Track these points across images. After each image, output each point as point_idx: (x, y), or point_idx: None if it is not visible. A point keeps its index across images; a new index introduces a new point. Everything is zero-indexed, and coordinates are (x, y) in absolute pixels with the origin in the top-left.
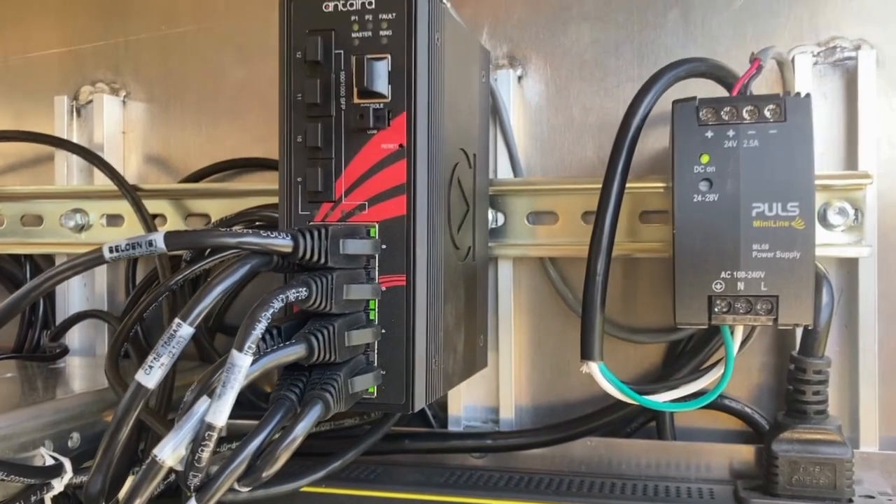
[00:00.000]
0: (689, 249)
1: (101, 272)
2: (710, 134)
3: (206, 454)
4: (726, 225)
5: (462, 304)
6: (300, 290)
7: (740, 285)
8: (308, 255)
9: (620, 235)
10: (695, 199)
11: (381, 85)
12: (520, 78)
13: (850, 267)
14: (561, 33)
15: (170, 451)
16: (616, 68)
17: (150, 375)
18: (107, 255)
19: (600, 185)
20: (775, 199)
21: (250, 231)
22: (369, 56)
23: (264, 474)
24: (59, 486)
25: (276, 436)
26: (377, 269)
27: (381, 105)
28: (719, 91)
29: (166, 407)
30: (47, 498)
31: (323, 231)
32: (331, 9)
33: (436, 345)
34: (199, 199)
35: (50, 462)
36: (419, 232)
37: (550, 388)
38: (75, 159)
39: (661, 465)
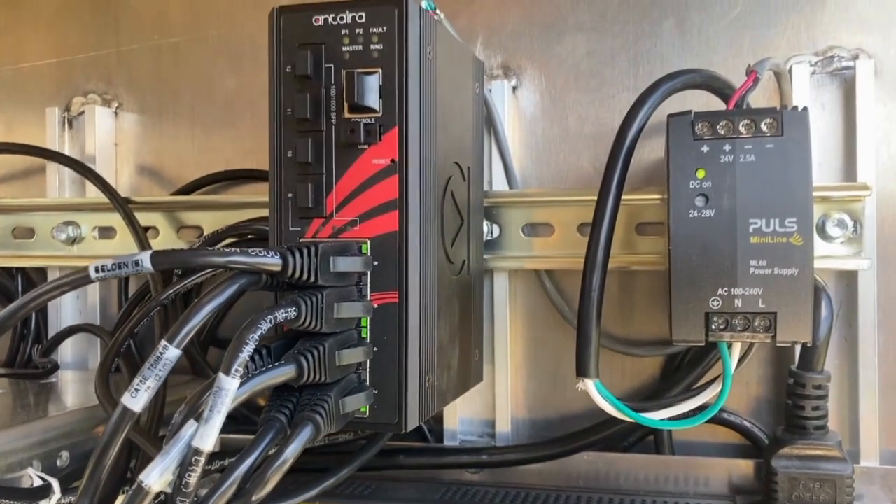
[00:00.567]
0: (686, 266)
1: (93, 285)
2: (705, 148)
3: (193, 479)
4: (723, 241)
5: (456, 319)
6: (289, 310)
7: (737, 302)
8: (297, 274)
9: (617, 248)
10: (691, 215)
11: (372, 99)
12: (514, 88)
13: (849, 279)
14: (556, 43)
15: (156, 477)
16: (612, 78)
17: (137, 399)
18: (93, 275)
19: (596, 197)
20: (773, 215)
21: (238, 250)
22: (360, 70)
23: (254, 498)
24: None
25: (271, 452)
26: (369, 286)
27: (373, 120)
28: (716, 102)
29: (157, 424)
30: None
31: (312, 249)
32: (321, 22)
33: (429, 362)
34: (192, 212)
35: (38, 483)
36: (412, 248)
37: (547, 402)
38: (67, 171)
39: (659, 480)
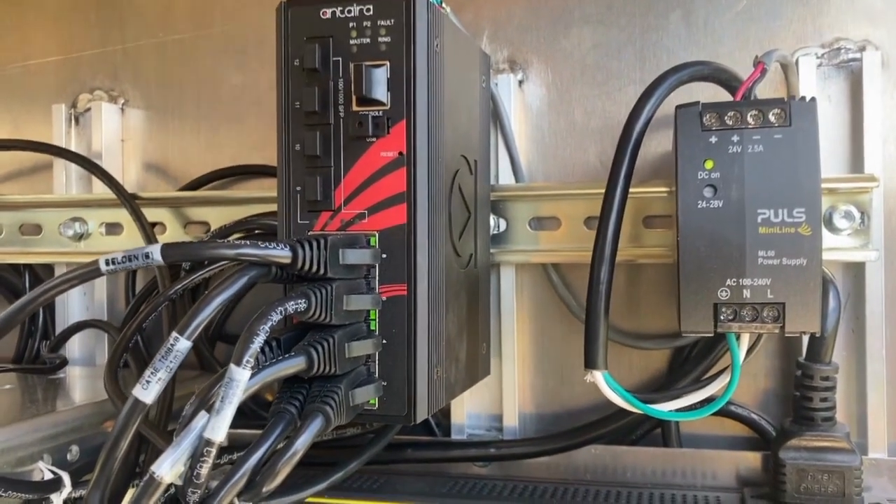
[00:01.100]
0: (694, 257)
1: (100, 281)
2: (714, 139)
3: (204, 470)
4: (731, 231)
5: (464, 313)
6: (299, 301)
7: (746, 293)
8: (307, 266)
9: (624, 241)
10: (699, 206)
11: (380, 92)
12: (521, 82)
13: (856, 271)
14: (562, 37)
15: (168, 468)
16: (618, 71)
17: (148, 391)
18: (103, 267)
19: (603, 190)
20: (781, 205)
21: (248, 242)
22: (367, 63)
23: (265, 489)
24: (57, 500)
25: (280, 446)
26: (377, 278)
27: (380, 112)
28: (723, 95)
29: (166, 418)
30: None
31: (322, 241)
32: (328, 15)
33: (438, 354)
34: (199, 207)
35: (49, 476)
36: (420, 240)
37: (555, 395)
38: (74, 168)
39: (666, 473)
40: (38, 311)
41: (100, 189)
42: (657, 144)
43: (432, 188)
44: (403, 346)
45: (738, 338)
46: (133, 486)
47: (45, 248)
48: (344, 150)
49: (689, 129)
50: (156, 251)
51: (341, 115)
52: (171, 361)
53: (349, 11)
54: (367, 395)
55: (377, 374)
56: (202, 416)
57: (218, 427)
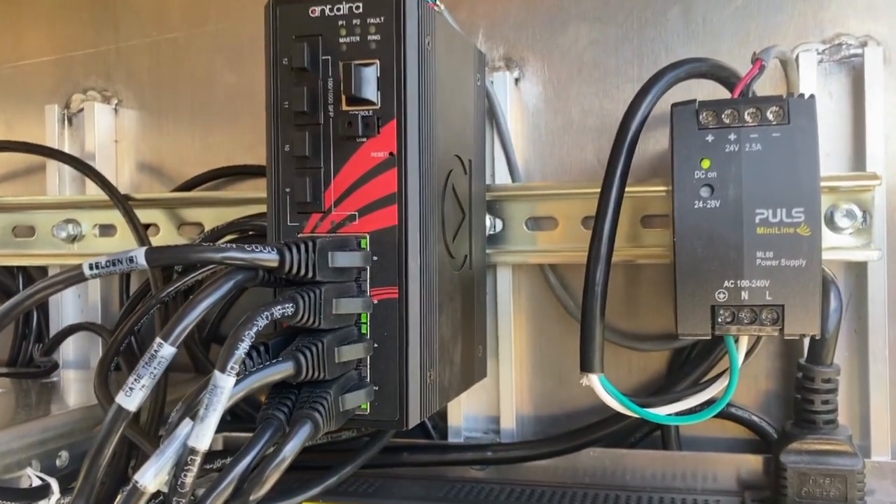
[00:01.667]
0: (691, 258)
1: (94, 283)
2: (710, 138)
3: (189, 478)
4: (729, 232)
5: (459, 315)
6: (286, 306)
7: (744, 294)
8: (295, 270)
9: (622, 241)
10: (695, 206)
11: (370, 91)
12: (517, 80)
13: (858, 271)
14: (559, 34)
15: (152, 476)
16: (616, 69)
17: (131, 398)
18: (87, 272)
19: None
20: (779, 205)
21: (234, 246)
22: (357, 62)
23: (252, 497)
24: None
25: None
26: (369, 281)
27: (370, 112)
28: (721, 92)
29: (157, 423)
30: None
31: (310, 244)
32: (317, 14)
33: (431, 358)
34: (193, 208)
35: (37, 483)
36: (411, 242)
37: (553, 397)
38: (67, 169)
39: (666, 476)
40: (32, 314)
41: (93, 190)
42: (655, 142)
43: (424, 189)
44: (395, 349)
45: (736, 340)
46: (122, 493)
47: (39, 250)
48: (334, 150)
49: (686, 128)
50: (140, 255)
51: (331, 114)
52: (154, 368)
53: (338, 9)
54: (357, 401)
55: (369, 379)
56: (186, 424)
57: (202, 435)
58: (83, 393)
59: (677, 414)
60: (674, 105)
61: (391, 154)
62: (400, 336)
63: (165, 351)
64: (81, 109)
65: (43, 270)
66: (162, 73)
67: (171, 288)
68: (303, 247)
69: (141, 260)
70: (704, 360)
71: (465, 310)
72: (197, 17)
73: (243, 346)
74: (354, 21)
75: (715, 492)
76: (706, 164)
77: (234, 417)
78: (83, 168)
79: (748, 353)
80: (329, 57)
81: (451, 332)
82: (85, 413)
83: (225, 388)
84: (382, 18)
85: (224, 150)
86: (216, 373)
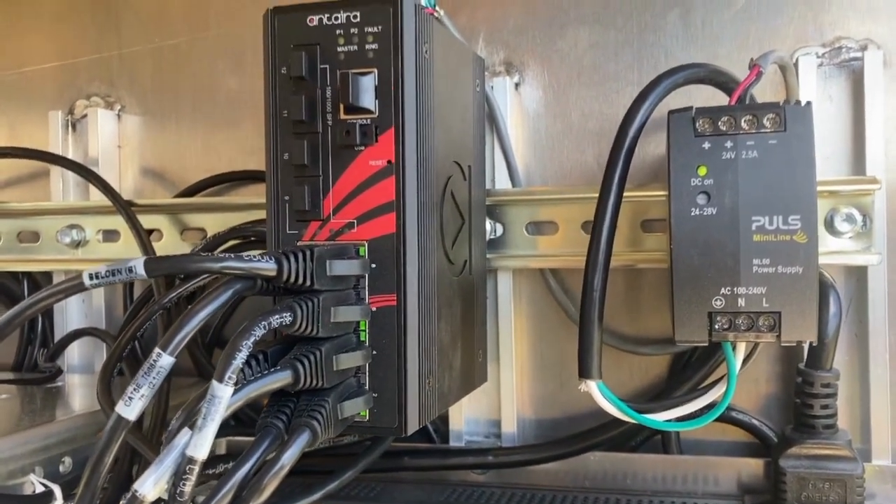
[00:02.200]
0: (687, 265)
1: (98, 290)
2: (707, 145)
3: (188, 487)
4: (725, 239)
5: (458, 320)
6: (284, 315)
7: (741, 301)
8: (293, 278)
9: (622, 245)
10: (692, 213)
11: (368, 100)
12: (517, 85)
13: (859, 275)
14: (558, 38)
15: (151, 486)
16: (615, 73)
17: (131, 407)
18: (87, 282)
19: None
20: (776, 212)
21: (233, 256)
22: (354, 71)
23: None
24: None
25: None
26: (367, 289)
27: (368, 121)
28: (721, 97)
29: (160, 429)
30: None
31: (308, 253)
32: (315, 23)
33: (429, 364)
34: (195, 214)
35: (40, 489)
36: (409, 250)
37: (554, 401)
38: (71, 175)
39: (667, 480)
40: (38, 319)
41: (97, 196)
42: (655, 147)
43: (422, 196)
44: (394, 357)
45: (734, 346)
46: (123, 500)
47: (44, 256)
48: (332, 159)
49: (682, 135)
50: (139, 265)
51: (329, 123)
52: (153, 378)
53: (336, 18)
54: (356, 408)
55: (368, 386)
56: (185, 433)
57: (200, 445)
58: (87, 398)
59: (675, 420)
60: (670, 112)
61: (389, 162)
62: (398, 343)
63: (164, 361)
64: (85, 115)
65: (48, 276)
66: (164, 79)
67: (174, 294)
68: (301, 256)
69: (140, 270)
70: (705, 365)
71: (464, 315)
72: (198, 22)
73: (241, 356)
74: (352, 30)
75: (715, 495)
76: (703, 171)
77: (238, 422)
78: (86, 174)
79: (746, 359)
80: (327, 66)
81: (450, 338)
82: (88, 419)
83: (223, 398)
84: (380, 27)
85: (226, 155)
86: (214, 383)
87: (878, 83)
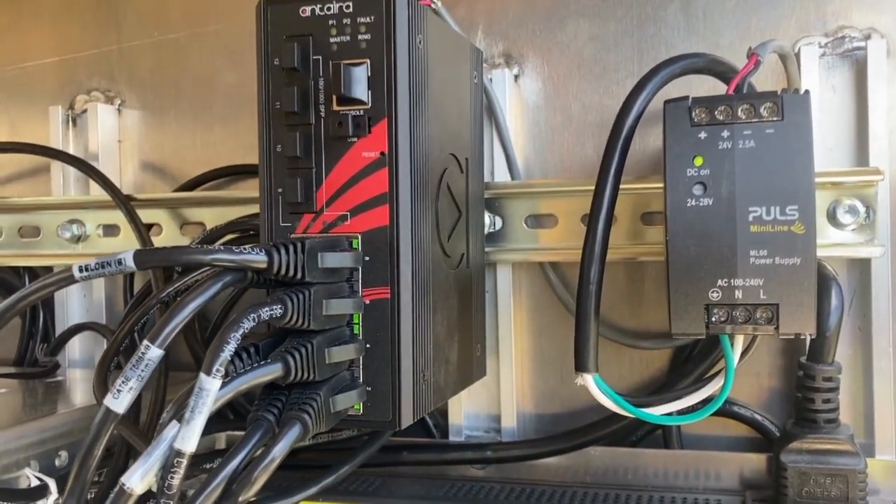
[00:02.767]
0: (684, 256)
1: (98, 282)
2: (703, 135)
3: (176, 480)
4: (722, 230)
5: (455, 314)
6: (274, 307)
7: (738, 293)
8: (284, 271)
9: (623, 238)
10: (688, 204)
11: (360, 91)
12: (516, 77)
13: (862, 267)
14: (558, 30)
15: (138, 479)
16: (615, 64)
17: (119, 400)
18: (77, 274)
19: None
20: (773, 203)
21: (223, 248)
22: (346, 62)
23: (241, 498)
24: None
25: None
26: (360, 281)
27: (361, 112)
28: (722, 88)
29: (157, 423)
30: None
31: (299, 245)
32: (308, 13)
33: (424, 358)
34: (195, 208)
35: (35, 483)
36: (403, 242)
37: (554, 395)
38: (72, 169)
39: (668, 475)
40: (39, 314)
41: (97, 191)
42: (656, 139)
43: (416, 188)
44: (388, 350)
45: (732, 339)
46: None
47: (44, 251)
48: (325, 150)
49: (678, 125)
50: (128, 258)
51: (322, 114)
52: (142, 370)
53: (328, 9)
54: (349, 401)
55: (361, 379)
56: (173, 426)
57: (188, 438)
58: (87, 392)
59: (670, 414)
60: (666, 102)
61: (382, 154)
62: (392, 336)
63: (153, 353)
64: (85, 110)
65: (48, 270)
66: (164, 74)
67: (171, 288)
68: (291, 248)
69: (129, 262)
70: (706, 358)
71: (461, 308)
72: (197, 17)
73: (229, 349)
74: (344, 20)
75: (717, 490)
76: (699, 161)
77: (237, 416)
78: (86, 169)
79: (745, 352)
80: (319, 57)
81: (446, 332)
82: (84, 413)
83: (210, 391)
84: (372, 18)
85: (225, 150)
86: (201, 375)
87: (882, 73)
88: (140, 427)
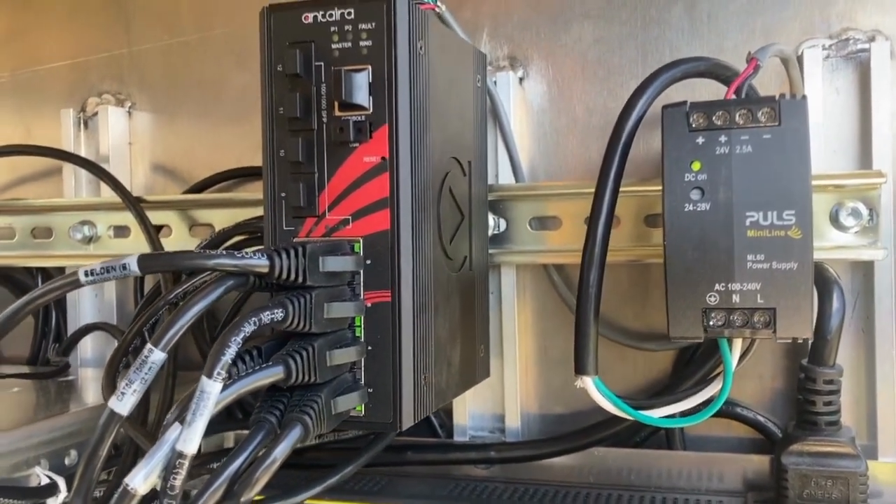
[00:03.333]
0: (681, 261)
1: (110, 284)
2: (701, 140)
3: (178, 482)
4: (719, 235)
5: (457, 316)
6: (276, 311)
7: (735, 297)
8: (285, 275)
9: (627, 240)
10: (686, 209)
11: (362, 97)
12: (521, 80)
13: (865, 270)
14: (563, 32)
15: (141, 480)
16: (619, 67)
17: (123, 402)
18: (82, 279)
19: None
20: (770, 208)
21: (225, 252)
22: (348, 68)
23: (243, 498)
24: None
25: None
26: (362, 285)
27: (363, 117)
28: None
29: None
30: None
31: (300, 249)
32: (310, 20)
33: (425, 360)
34: (204, 210)
35: (45, 481)
36: (404, 246)
37: (558, 396)
38: (83, 171)
39: (671, 476)
40: (51, 314)
41: (108, 192)
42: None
43: (417, 193)
44: (389, 352)
45: (730, 343)
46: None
47: (57, 252)
48: (327, 155)
49: (676, 130)
50: (133, 262)
51: (324, 120)
52: (145, 373)
53: (330, 16)
54: (350, 403)
55: (363, 381)
56: (175, 428)
57: (189, 439)
58: (98, 392)
59: (671, 416)
60: (664, 107)
61: (383, 158)
62: (393, 339)
63: (156, 356)
64: (96, 113)
65: (61, 271)
66: (173, 77)
67: (180, 289)
68: (293, 252)
69: (134, 267)
70: (708, 361)
71: (464, 310)
72: (206, 20)
73: (230, 352)
74: (346, 27)
75: (719, 492)
76: (696, 166)
77: (246, 415)
78: (97, 171)
79: (743, 356)
80: (322, 63)
81: (448, 334)
82: (94, 412)
83: (211, 394)
84: (373, 24)
85: (234, 152)
86: (203, 378)
87: (886, 75)
88: (149, 426)
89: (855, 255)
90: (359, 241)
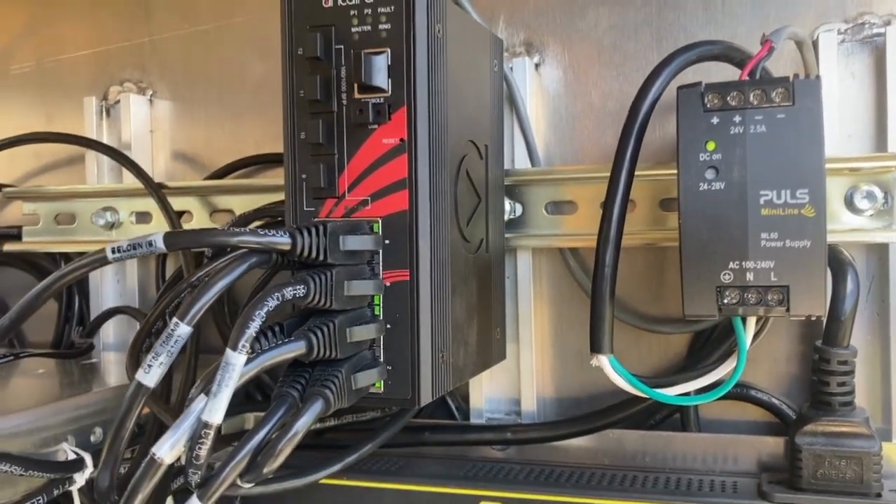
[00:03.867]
0: (696, 239)
1: (132, 268)
2: (715, 120)
3: (203, 451)
4: (733, 214)
5: (474, 297)
6: (298, 287)
7: (749, 275)
8: (307, 252)
9: (643, 224)
10: (701, 188)
11: (381, 79)
12: (537, 65)
13: (880, 253)
14: (579, 18)
15: (168, 449)
16: (635, 52)
17: (150, 374)
18: (110, 256)
19: None
20: (784, 187)
21: (248, 230)
22: (367, 50)
23: (265, 470)
24: (80, 479)
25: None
26: (381, 263)
27: (381, 100)
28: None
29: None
30: (74, 490)
31: (321, 228)
32: (330, 4)
33: (443, 339)
34: (224, 195)
35: (72, 457)
36: (422, 226)
37: (574, 379)
38: (106, 159)
39: (686, 458)
40: (74, 298)
41: (130, 179)
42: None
43: (435, 174)
44: (407, 330)
45: (744, 321)
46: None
47: (80, 237)
48: (347, 137)
49: (691, 110)
50: (158, 239)
51: (344, 102)
52: (171, 346)
53: (350, 0)
54: (370, 379)
55: (382, 358)
56: (201, 400)
57: (215, 410)
58: (120, 373)
59: (684, 394)
60: (679, 88)
61: (402, 140)
62: (411, 317)
63: (182, 330)
64: (118, 101)
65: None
66: (194, 65)
67: (201, 272)
68: (314, 231)
69: (160, 244)
70: (724, 342)
71: (481, 292)
72: (226, 9)
73: (254, 326)
74: (366, 10)
75: (734, 473)
76: (711, 146)
77: (265, 397)
78: (120, 158)
79: (757, 335)
80: (342, 46)
81: (465, 314)
82: (117, 392)
83: (236, 365)
84: (392, 8)
85: (253, 139)
86: (228, 350)
87: None
88: (171, 406)
89: (870, 238)
90: (378, 222)
